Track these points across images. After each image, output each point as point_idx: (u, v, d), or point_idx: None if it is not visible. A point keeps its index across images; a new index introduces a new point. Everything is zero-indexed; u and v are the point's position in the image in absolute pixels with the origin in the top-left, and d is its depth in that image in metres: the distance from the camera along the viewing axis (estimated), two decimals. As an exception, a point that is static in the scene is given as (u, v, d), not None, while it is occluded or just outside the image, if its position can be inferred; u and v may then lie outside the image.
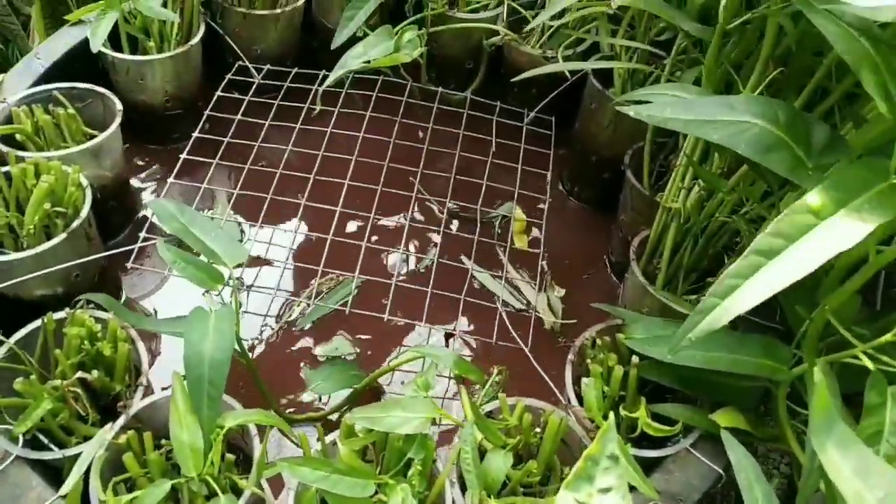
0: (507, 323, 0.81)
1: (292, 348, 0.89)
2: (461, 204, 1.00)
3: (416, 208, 1.04)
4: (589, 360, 0.71)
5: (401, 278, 0.95)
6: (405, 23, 1.00)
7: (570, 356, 0.73)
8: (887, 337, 0.52)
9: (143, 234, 0.81)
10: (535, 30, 1.05)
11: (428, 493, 0.61)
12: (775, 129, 0.56)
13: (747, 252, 0.47)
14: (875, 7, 0.45)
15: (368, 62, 0.89)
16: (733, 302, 0.47)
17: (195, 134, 0.92)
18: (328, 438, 0.64)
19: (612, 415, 0.35)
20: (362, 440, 0.61)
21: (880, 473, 0.40)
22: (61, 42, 0.99)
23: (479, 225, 0.96)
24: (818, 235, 0.46)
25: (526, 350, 0.76)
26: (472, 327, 0.92)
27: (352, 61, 0.90)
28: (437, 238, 0.99)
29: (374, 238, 0.98)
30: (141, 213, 1.00)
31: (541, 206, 0.93)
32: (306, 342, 0.89)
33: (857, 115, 0.64)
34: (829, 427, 0.42)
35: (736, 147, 0.55)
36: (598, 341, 0.73)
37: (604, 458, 0.32)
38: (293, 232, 0.85)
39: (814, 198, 0.47)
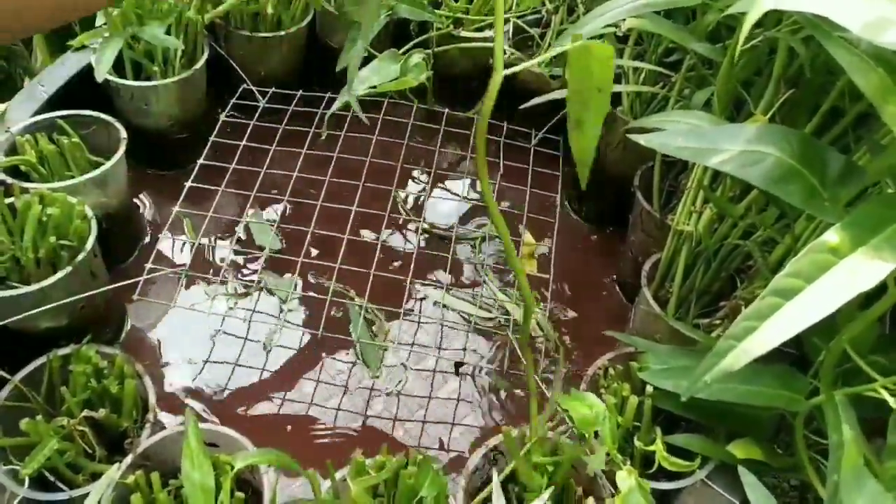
0: (518, 351, 0.81)
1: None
2: (468, 228, 0.99)
3: (422, 234, 1.03)
4: (602, 390, 0.70)
5: (409, 306, 0.94)
6: (410, 44, 0.99)
7: (583, 386, 0.72)
8: (909, 373, 0.51)
9: (148, 266, 0.80)
10: (542, 49, 1.05)
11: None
12: (790, 158, 0.55)
13: (765, 293, 0.46)
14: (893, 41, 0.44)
15: (375, 87, 0.89)
16: (751, 344, 0.46)
17: (200, 161, 0.91)
18: (338, 475, 0.63)
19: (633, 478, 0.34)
20: (373, 479, 0.60)
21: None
22: (64, 68, 0.99)
23: (489, 250, 0.95)
24: (837, 275, 0.45)
25: (537, 379, 0.75)
26: (481, 354, 0.91)
27: (358, 86, 0.89)
28: (445, 263, 0.98)
29: (381, 264, 0.97)
30: (146, 241, 0.99)
31: (548, 227, 0.92)
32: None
33: (872, 139, 0.63)
34: (859, 484, 0.41)
35: (749, 178, 0.54)
36: (611, 370, 0.72)
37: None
38: (300, 258, 0.84)
39: (832, 236, 0.46)
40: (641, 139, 0.58)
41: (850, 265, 0.45)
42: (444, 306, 0.92)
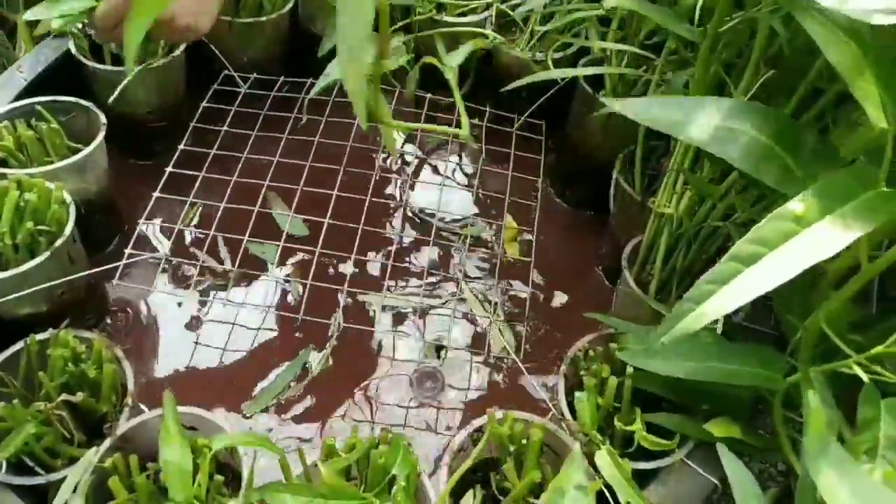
0: (501, 335, 0.81)
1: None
2: (452, 213, 0.98)
3: (405, 219, 1.02)
4: (583, 372, 0.70)
5: (391, 290, 0.94)
6: (392, 28, 0.98)
7: (563, 368, 0.72)
8: (879, 349, 0.51)
9: (128, 251, 0.80)
10: (525, 33, 1.04)
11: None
12: (765, 137, 0.55)
13: (726, 258, 0.45)
14: (867, 10, 0.44)
15: (354, 70, 0.88)
16: (710, 307, 0.45)
17: (180, 146, 0.90)
18: (309, 460, 0.63)
19: (578, 448, 0.34)
20: (343, 460, 0.60)
21: (878, 495, 0.39)
22: (43, 54, 0.98)
23: (468, 234, 0.95)
24: (799, 242, 0.44)
25: (518, 361, 0.75)
26: (464, 339, 0.91)
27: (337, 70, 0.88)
28: (427, 249, 0.98)
29: (362, 249, 0.97)
30: (126, 227, 0.98)
31: (530, 211, 0.92)
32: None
33: (849, 119, 0.63)
34: (824, 450, 0.41)
35: (725, 156, 0.54)
36: (591, 352, 0.72)
37: (571, 489, 0.31)
38: (281, 243, 0.84)
39: (797, 205, 0.46)
40: (616, 105, 0.57)
41: (813, 233, 0.44)
42: (422, 289, 0.92)
